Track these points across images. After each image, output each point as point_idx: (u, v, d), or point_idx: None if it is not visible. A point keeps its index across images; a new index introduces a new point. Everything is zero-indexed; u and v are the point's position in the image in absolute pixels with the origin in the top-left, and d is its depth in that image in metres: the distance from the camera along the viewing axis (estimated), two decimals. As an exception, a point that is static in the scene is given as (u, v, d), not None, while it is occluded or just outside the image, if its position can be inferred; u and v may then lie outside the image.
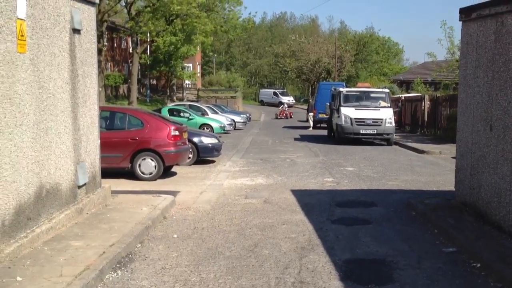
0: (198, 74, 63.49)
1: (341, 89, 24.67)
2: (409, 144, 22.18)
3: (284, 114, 46.40)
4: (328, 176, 13.65)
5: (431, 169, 15.21)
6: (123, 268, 6.16)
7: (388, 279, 5.97)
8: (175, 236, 7.66)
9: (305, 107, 48.03)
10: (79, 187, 8.27)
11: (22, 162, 6.39)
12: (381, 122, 22.23)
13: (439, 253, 6.94)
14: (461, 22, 9.15)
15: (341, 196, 10.80)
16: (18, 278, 5.35)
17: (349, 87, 34.47)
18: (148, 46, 43.86)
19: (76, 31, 8.11)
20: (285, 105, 52.02)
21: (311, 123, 33.90)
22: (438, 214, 8.61)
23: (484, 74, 8.14)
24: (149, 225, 7.87)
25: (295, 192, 11.16)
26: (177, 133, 13.00)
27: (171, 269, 6.17)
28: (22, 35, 6.37)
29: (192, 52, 44.79)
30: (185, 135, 13.74)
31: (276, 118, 45.76)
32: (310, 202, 10.17)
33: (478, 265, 6.35)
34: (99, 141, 9.31)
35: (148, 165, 12.62)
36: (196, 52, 48.94)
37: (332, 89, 27.22)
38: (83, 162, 8.44)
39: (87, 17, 8.66)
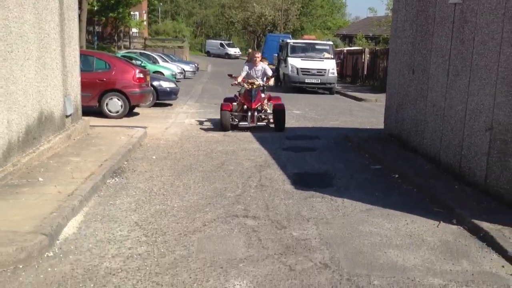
0: (145, 23, 63.08)
1: (288, 41, 26.20)
2: (349, 93, 24.15)
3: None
4: (277, 117, 15.25)
5: (367, 113, 17.19)
6: (119, 176, 7.62)
7: (328, 184, 7.73)
8: (154, 157, 9.14)
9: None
10: (67, 116, 9.54)
11: (29, 91, 7.62)
12: (325, 72, 24.04)
13: (367, 170, 8.78)
14: (394, -18, 10.80)
15: (289, 132, 12.49)
16: (40, 179, 6.72)
17: (295, 39, 35.96)
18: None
19: (63, -22, 9.18)
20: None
21: None
22: (369, 143, 10.47)
23: (410, 27, 9.86)
24: (130, 149, 9.28)
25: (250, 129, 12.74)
26: (141, 75, 14.21)
27: (158, 178, 7.69)
28: (28, -18, 7.48)
29: (139, -1, 44.82)
30: (148, 78, 14.96)
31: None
32: (264, 136, 11.79)
33: (396, 175, 8.22)
34: (80, 78, 10.51)
35: (115, 104, 13.81)
36: (143, -1, 48.88)
37: (280, 40, 28.70)
38: (69, 95, 9.67)
39: (70, -34, 9.69)
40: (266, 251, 5.04)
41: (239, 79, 12.75)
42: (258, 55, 13.19)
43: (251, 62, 13.31)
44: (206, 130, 12.44)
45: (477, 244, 5.44)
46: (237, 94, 13.23)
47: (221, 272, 4.54)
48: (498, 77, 6.57)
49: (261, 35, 67.66)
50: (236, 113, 12.51)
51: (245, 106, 12.41)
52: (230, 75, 13.69)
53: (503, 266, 4.91)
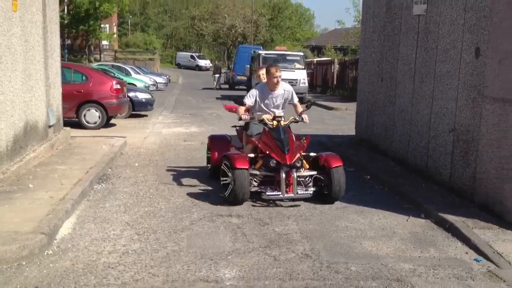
0: (115, 35, 63.11)
1: (260, 52, 26.77)
2: (320, 102, 24.78)
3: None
4: (252, 125, 15.70)
5: (338, 121, 17.80)
6: (105, 182, 7.92)
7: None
8: (136, 164, 9.45)
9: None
10: (49, 126, 9.79)
11: (16, 101, 7.89)
12: (296, 82, 24.60)
13: (341, 172, 9.26)
14: (362, -5, 11.41)
15: (265, 139, 12.90)
16: (30, 185, 6.99)
17: (267, 50, 36.59)
18: (66, 5, 43.41)
19: (45, -7, 9.47)
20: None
21: (215, 84, 35.71)
22: (342, 148, 10.99)
23: (378, 38, 10.45)
24: (113, 157, 9.57)
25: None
26: (118, 86, 14.51)
27: (143, 183, 8.02)
28: (14, -3, 7.77)
29: (111, 12, 44.91)
30: (125, 89, 15.25)
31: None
32: (240, 143, 12.19)
33: (368, 176, 8.74)
34: (61, 89, 10.77)
35: (92, 115, 14.05)
36: (113, 12, 48.97)
37: (252, 51, 29.27)
38: (52, 106, 9.93)
39: (51, -20, 10.00)
40: (252, 245, 5.44)
41: (241, 112, 7.44)
42: (279, 73, 7.36)
43: (264, 84, 7.64)
44: (184, 139, 12.78)
45: (443, 235, 5.96)
46: (238, 129, 8.27)
47: (212, 263, 4.91)
48: (460, 82, 7.14)
49: (231, 47, 68.25)
50: (257, 173, 7.01)
51: (273, 161, 6.88)
52: (232, 110, 8.43)
53: (466, 253, 5.42)
